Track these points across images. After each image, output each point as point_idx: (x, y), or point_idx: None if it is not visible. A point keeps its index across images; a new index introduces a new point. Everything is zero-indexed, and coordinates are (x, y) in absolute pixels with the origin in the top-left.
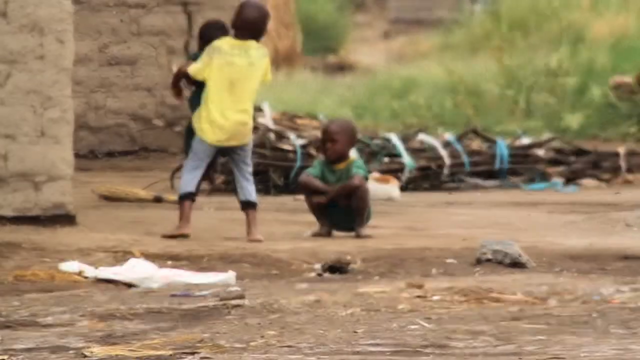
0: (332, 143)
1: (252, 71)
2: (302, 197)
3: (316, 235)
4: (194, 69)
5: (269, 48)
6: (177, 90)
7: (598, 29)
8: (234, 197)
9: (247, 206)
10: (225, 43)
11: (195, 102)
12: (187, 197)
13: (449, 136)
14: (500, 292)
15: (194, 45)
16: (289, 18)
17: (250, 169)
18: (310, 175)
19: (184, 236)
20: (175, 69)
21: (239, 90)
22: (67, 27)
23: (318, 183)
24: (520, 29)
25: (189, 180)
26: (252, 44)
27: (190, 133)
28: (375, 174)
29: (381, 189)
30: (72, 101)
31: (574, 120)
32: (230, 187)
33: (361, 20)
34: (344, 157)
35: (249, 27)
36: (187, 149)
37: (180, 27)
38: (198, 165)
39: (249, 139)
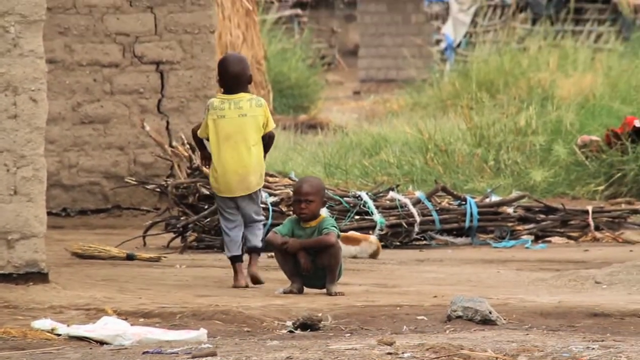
0: (307, 204)
1: (244, 122)
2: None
3: (288, 292)
4: (200, 130)
5: None
6: (203, 153)
7: (565, 88)
8: (206, 254)
9: (250, 250)
10: (216, 99)
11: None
12: (235, 260)
13: (419, 194)
14: (470, 349)
15: (166, 104)
16: (261, 77)
17: (258, 217)
18: (278, 233)
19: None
20: (147, 127)
21: (235, 142)
22: (40, 87)
23: (282, 239)
24: (489, 89)
25: (228, 242)
26: (243, 96)
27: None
28: (353, 233)
29: (347, 250)
30: (45, 160)
31: (541, 178)
32: (202, 245)
33: (332, 79)
34: (317, 216)
35: (235, 80)
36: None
37: (153, 86)
38: (228, 221)
39: (254, 188)
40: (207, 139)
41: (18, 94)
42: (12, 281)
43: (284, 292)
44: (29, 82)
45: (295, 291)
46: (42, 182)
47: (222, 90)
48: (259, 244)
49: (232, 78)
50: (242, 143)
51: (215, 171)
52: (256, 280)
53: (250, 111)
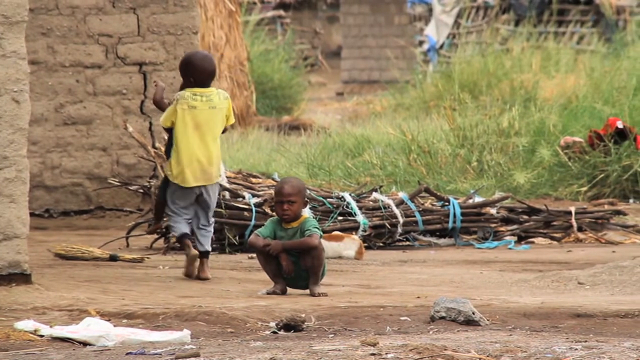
0: (290, 204)
1: (214, 114)
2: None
3: (271, 293)
4: (161, 118)
5: None
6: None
7: (548, 89)
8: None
9: (201, 255)
10: (187, 92)
11: (168, 152)
12: (184, 237)
13: (402, 195)
14: (454, 349)
15: (149, 105)
16: (244, 78)
17: (210, 220)
18: (259, 235)
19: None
20: (130, 128)
21: (204, 133)
22: (23, 88)
23: (263, 241)
24: (471, 90)
25: (178, 220)
26: (212, 90)
27: (165, 188)
28: (336, 233)
29: (330, 246)
30: (28, 161)
31: (524, 179)
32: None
33: (315, 80)
34: (299, 217)
35: (210, 76)
36: (163, 190)
37: (135, 87)
38: (178, 208)
39: (216, 179)
40: (168, 129)
41: (0, 95)
42: None
43: (267, 293)
44: (11, 83)
45: (279, 292)
46: (24, 183)
47: (189, 85)
48: (209, 249)
49: (209, 74)
50: (209, 134)
51: (178, 160)
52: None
53: (219, 104)
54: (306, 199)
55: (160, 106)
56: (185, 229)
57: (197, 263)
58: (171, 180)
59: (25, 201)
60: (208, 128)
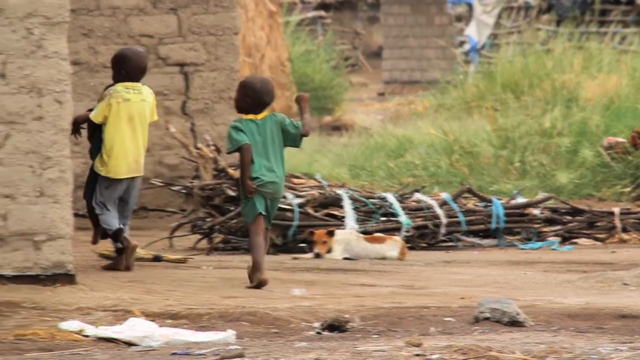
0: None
1: (144, 107)
2: (301, 256)
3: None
4: (93, 114)
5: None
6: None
7: (591, 90)
8: (232, 256)
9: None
10: (119, 86)
11: (95, 151)
12: (120, 231)
13: (445, 195)
14: (499, 350)
15: (190, 106)
16: (285, 79)
17: (130, 211)
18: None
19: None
20: (172, 129)
21: (136, 125)
22: (65, 88)
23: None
24: (513, 90)
25: (110, 217)
26: (140, 84)
27: (92, 182)
28: (378, 235)
29: (373, 248)
30: (71, 161)
31: (567, 179)
32: (228, 246)
33: (356, 81)
34: (256, 109)
35: (139, 71)
36: (89, 196)
37: (177, 87)
38: (110, 202)
39: (142, 171)
40: (97, 125)
41: (43, 95)
42: (40, 282)
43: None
44: (53, 83)
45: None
46: (68, 184)
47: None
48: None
49: (142, 69)
50: (140, 126)
51: (110, 154)
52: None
53: (147, 97)
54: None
55: (78, 123)
56: (118, 223)
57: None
58: (103, 175)
59: (69, 201)
60: (139, 120)
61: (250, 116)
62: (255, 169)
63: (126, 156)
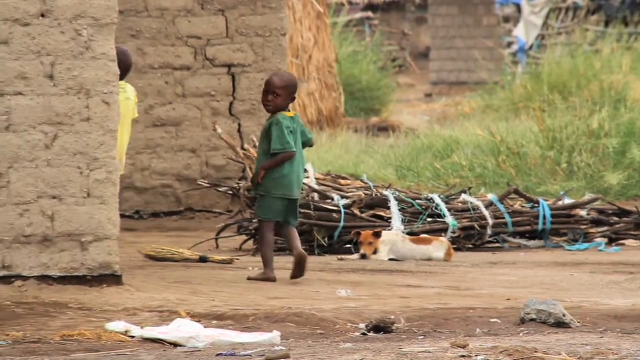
0: (274, 97)
1: (129, 104)
2: (347, 257)
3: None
4: None
5: (313, 109)
6: None
7: (639, 91)
8: (278, 257)
9: None
10: None
11: None
12: None
13: (491, 196)
14: (544, 352)
15: (237, 107)
16: (332, 80)
17: None
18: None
19: None
20: (219, 130)
21: (122, 124)
22: (113, 89)
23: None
24: (561, 91)
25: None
26: (125, 83)
27: None
28: (425, 236)
29: (419, 249)
30: (118, 162)
31: (615, 181)
32: (274, 248)
33: (403, 82)
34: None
35: (125, 70)
36: None
37: (224, 89)
38: None
39: (123, 170)
40: None
41: (91, 96)
42: (86, 283)
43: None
44: (101, 85)
45: None
46: (115, 185)
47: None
48: None
49: (127, 68)
50: (124, 124)
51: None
52: None
53: (131, 95)
54: (294, 96)
55: None
56: None
57: None
58: None
59: (116, 203)
60: (124, 118)
61: (288, 113)
62: (285, 168)
63: (120, 154)
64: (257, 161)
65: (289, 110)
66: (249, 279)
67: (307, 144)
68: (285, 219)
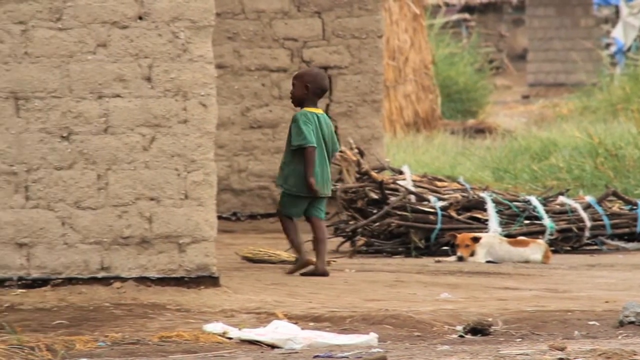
0: (292, 87)
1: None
2: (444, 259)
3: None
4: None
5: (409, 111)
6: None
7: None
8: (375, 259)
9: None
10: None
11: None
12: None
13: (589, 198)
14: None
15: (334, 109)
16: (428, 81)
17: None
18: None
19: None
20: None
21: None
22: (210, 92)
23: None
24: None
25: None
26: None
27: None
28: (522, 238)
29: (516, 252)
30: (215, 164)
31: None
32: (371, 249)
33: (500, 83)
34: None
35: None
36: None
37: None
38: None
39: None
40: None
41: (188, 98)
42: (184, 285)
43: None
44: (198, 87)
45: None
46: (212, 187)
47: None
48: None
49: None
50: None
51: None
52: None
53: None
54: (308, 84)
55: None
56: None
57: None
58: None
59: (213, 204)
60: None
61: (313, 109)
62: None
63: None
64: (284, 156)
65: (317, 107)
66: (288, 273)
67: (333, 151)
68: (309, 213)
